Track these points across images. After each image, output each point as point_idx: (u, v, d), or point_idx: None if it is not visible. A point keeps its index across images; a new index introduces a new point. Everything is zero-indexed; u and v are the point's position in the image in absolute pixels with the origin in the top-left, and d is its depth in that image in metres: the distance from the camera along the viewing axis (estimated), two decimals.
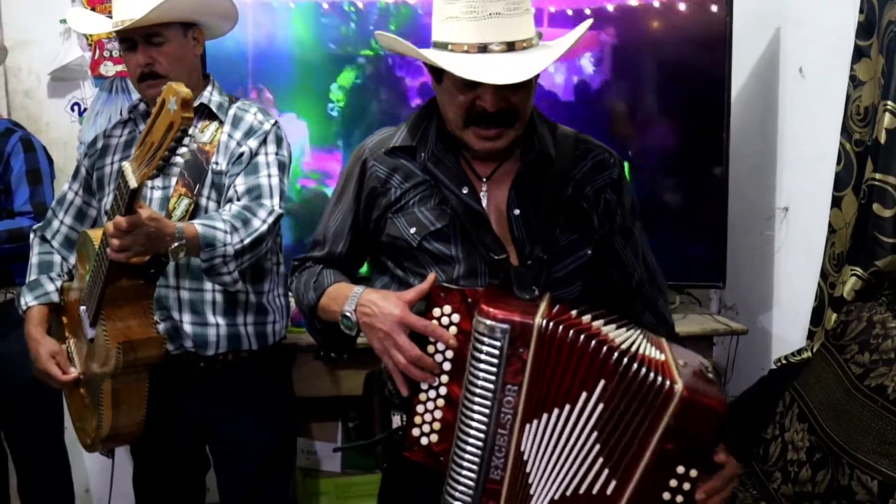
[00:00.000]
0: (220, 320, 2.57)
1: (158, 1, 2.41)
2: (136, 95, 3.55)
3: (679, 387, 1.56)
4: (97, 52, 3.69)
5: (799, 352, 2.86)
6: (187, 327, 2.56)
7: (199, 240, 2.31)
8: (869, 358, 2.43)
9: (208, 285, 2.54)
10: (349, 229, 2.02)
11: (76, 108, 3.78)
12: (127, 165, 2.09)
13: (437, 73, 1.82)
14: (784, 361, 2.90)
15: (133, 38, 2.49)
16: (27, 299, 2.66)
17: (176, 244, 2.25)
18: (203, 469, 2.84)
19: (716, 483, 1.63)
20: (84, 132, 3.68)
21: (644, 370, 1.58)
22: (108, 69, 3.71)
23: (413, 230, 1.90)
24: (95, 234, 2.43)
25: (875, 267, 2.65)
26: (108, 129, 2.78)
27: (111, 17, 2.58)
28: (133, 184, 2.06)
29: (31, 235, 2.81)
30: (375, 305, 1.75)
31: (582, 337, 1.60)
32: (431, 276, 1.78)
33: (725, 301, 3.59)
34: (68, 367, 2.60)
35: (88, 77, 3.74)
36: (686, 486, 1.60)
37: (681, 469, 1.59)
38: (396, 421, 1.86)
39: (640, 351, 1.62)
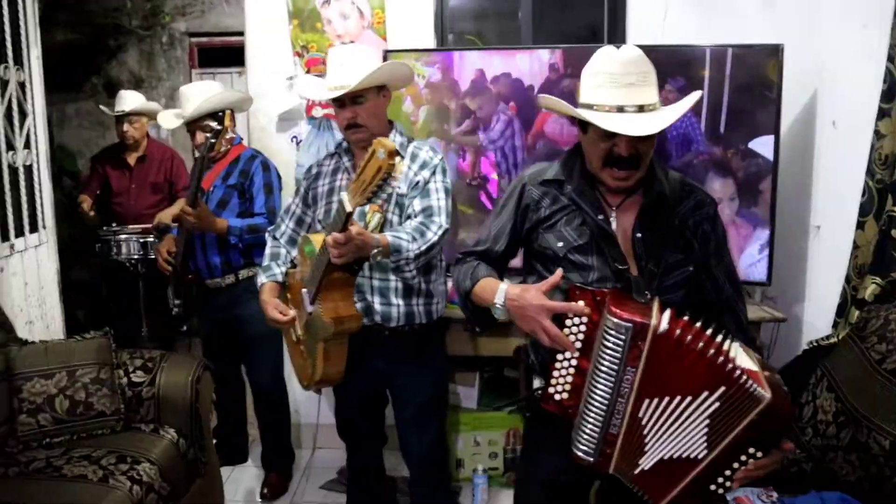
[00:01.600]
0: (400, 301, 2.63)
1: (364, 74, 2.51)
2: (337, 133, 3.72)
3: (768, 395, 1.61)
4: (311, 100, 3.80)
5: (827, 337, 2.82)
6: (377, 306, 2.64)
7: (390, 247, 2.44)
8: (886, 347, 2.39)
9: (392, 276, 2.64)
10: (507, 233, 2.06)
11: (294, 139, 3.90)
12: (344, 194, 2.20)
13: (584, 125, 1.89)
14: (815, 344, 2.85)
15: (342, 98, 2.56)
16: (261, 279, 2.83)
17: (375, 251, 2.38)
18: (383, 405, 2.94)
19: (765, 462, 1.66)
20: (300, 157, 3.82)
21: (749, 381, 1.62)
22: (318, 112, 3.83)
23: (560, 244, 1.94)
24: (316, 239, 2.57)
25: (891, 278, 2.60)
26: (320, 160, 2.91)
27: (321, 76, 2.73)
28: (349, 208, 2.17)
29: (266, 234, 2.97)
30: (521, 298, 1.79)
31: (701, 344, 1.64)
32: (559, 272, 1.81)
33: (767, 294, 3.53)
34: (287, 311, 2.73)
35: (303, 118, 3.88)
36: (750, 462, 1.65)
37: (751, 450, 1.65)
38: (537, 383, 1.92)
39: (743, 364, 1.65)
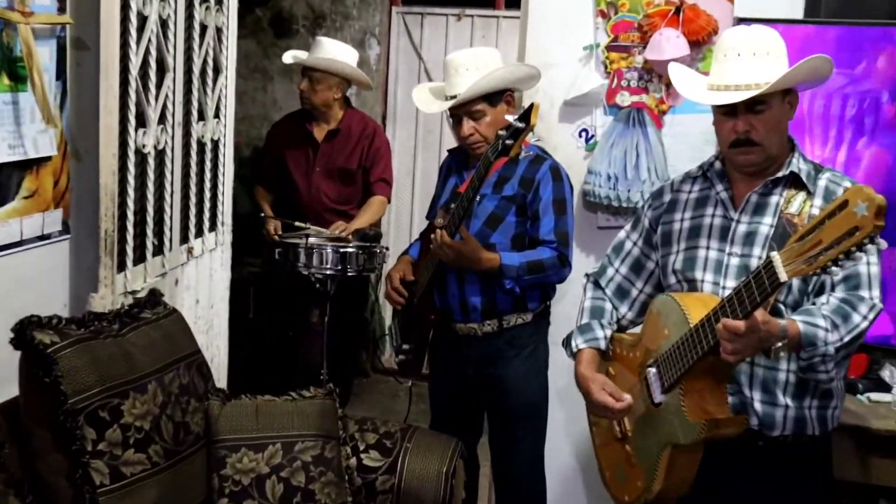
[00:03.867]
0: (790, 401, 2.62)
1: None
2: (651, 132, 3.78)
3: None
4: (615, 80, 3.87)
5: None
6: (757, 405, 2.64)
7: (801, 338, 2.42)
8: None
9: (783, 364, 2.62)
10: None
11: (584, 134, 3.98)
12: (776, 256, 2.18)
13: None
14: None
15: (735, 105, 2.59)
16: (578, 342, 2.89)
17: (779, 343, 2.38)
18: None
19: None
20: (595, 161, 3.89)
21: None
22: (624, 99, 3.88)
23: None
24: (689, 306, 2.57)
25: None
26: (676, 183, 2.94)
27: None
28: (783, 277, 2.14)
29: (585, 279, 3.12)
30: None
31: None
32: None
33: None
34: (621, 395, 2.78)
35: (601, 105, 3.94)
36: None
37: None
38: None
39: None
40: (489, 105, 3.44)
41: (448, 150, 3.83)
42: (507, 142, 3.12)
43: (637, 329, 2.93)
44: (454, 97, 3.42)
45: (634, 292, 2.97)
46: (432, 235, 3.42)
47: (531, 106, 3.08)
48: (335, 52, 4.83)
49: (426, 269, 3.59)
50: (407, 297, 3.67)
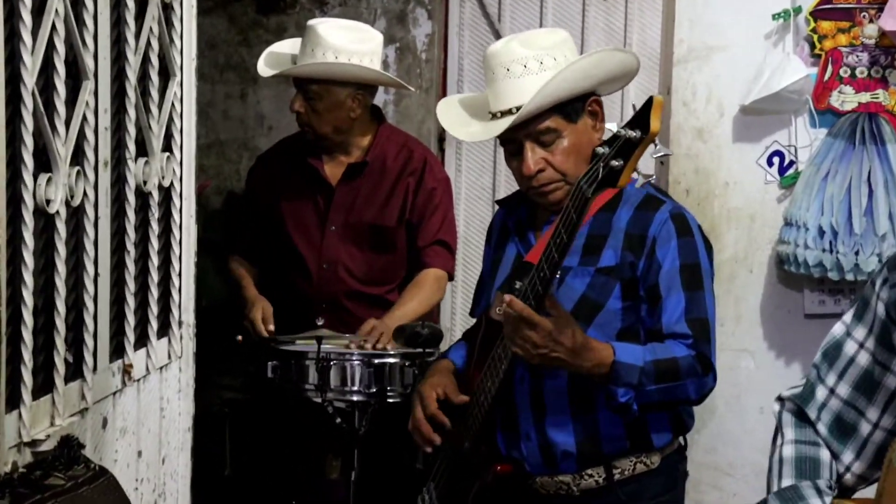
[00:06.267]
0: None
1: None
2: (894, 152, 3.60)
3: None
4: (829, 69, 3.74)
5: None
6: None
7: None
8: None
9: None
10: None
11: (776, 160, 3.87)
12: None
13: None
14: None
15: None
16: None
17: None
18: None
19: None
20: (798, 205, 3.72)
21: None
22: (846, 99, 3.76)
23: None
24: None
25: None
26: None
27: None
28: None
29: (777, 406, 2.75)
30: None
31: None
32: None
33: None
34: None
35: (806, 111, 3.83)
36: None
37: None
38: None
39: None
40: (566, 120, 3.24)
41: (498, 202, 3.75)
42: (614, 163, 2.89)
43: (869, 491, 2.66)
44: (510, 112, 3.23)
45: (865, 428, 2.66)
46: (498, 310, 3.13)
47: (648, 101, 2.84)
48: (342, 43, 4.66)
49: (486, 384, 3.35)
50: (450, 433, 3.49)
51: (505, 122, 3.18)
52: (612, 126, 2.99)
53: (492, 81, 3.34)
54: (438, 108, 3.60)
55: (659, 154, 3.38)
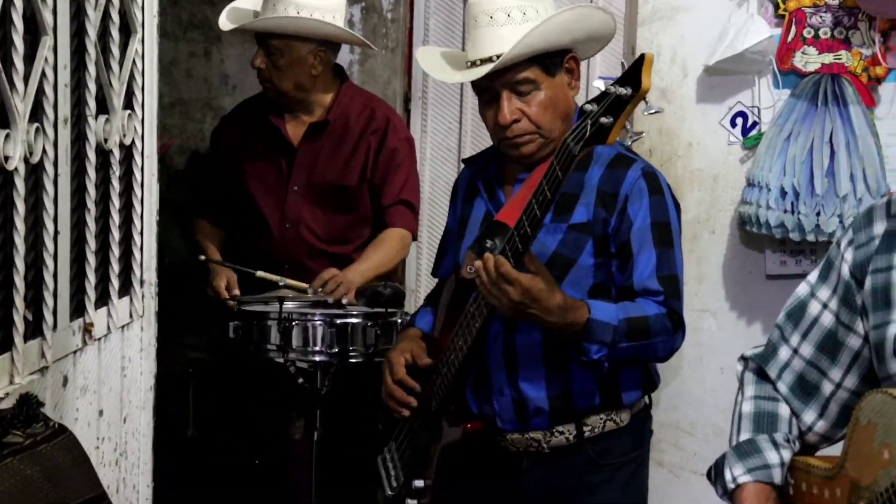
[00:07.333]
0: None
1: None
2: (855, 114, 3.62)
3: None
4: (793, 30, 3.72)
5: None
6: None
7: None
8: None
9: None
10: None
11: (739, 121, 3.86)
12: None
13: None
14: None
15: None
16: (736, 471, 2.66)
17: None
18: None
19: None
20: (761, 166, 3.72)
21: None
22: (809, 60, 3.74)
23: None
24: None
25: None
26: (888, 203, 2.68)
27: None
28: None
29: (740, 365, 2.82)
30: None
31: None
32: None
33: None
34: None
35: (769, 71, 3.83)
36: None
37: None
38: None
39: None
40: (545, 73, 3.25)
41: (465, 161, 3.76)
42: (604, 119, 2.87)
43: (834, 449, 2.66)
44: (489, 59, 3.22)
45: (827, 388, 2.71)
46: (469, 269, 3.18)
47: (640, 58, 2.82)
48: None
49: (457, 342, 3.35)
50: (420, 396, 3.45)
51: (485, 68, 3.19)
52: (599, 84, 3.00)
53: (473, 28, 3.35)
54: (418, 54, 3.66)
55: (651, 111, 3.40)
